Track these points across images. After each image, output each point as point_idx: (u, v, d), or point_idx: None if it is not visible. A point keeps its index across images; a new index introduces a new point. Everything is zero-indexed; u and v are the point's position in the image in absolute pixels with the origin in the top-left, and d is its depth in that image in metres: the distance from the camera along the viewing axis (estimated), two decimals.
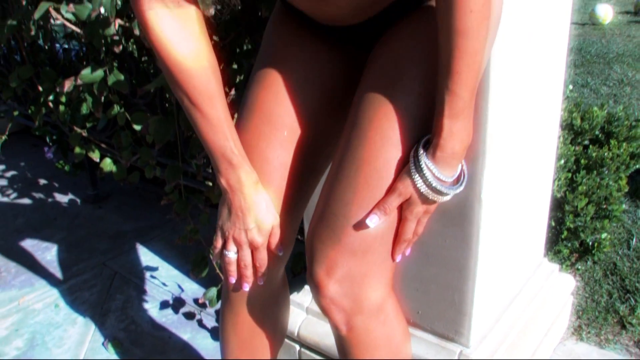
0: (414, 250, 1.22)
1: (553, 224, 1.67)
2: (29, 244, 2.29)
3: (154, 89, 1.61)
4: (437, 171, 0.79)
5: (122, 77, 1.58)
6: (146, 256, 2.16)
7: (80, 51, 2.47)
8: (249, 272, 0.96)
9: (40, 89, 2.18)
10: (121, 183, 2.33)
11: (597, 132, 1.78)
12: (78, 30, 1.65)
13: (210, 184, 2.00)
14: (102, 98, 1.69)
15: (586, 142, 1.78)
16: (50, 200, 2.66)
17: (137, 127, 1.61)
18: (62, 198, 2.67)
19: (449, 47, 0.74)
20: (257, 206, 0.92)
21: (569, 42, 1.31)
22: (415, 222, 0.85)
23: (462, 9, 0.70)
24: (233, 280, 0.97)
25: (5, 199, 2.69)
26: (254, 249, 0.94)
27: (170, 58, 0.83)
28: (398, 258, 0.87)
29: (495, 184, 1.12)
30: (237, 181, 0.90)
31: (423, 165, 0.79)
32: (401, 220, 0.85)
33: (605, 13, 5.79)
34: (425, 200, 0.82)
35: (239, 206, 0.91)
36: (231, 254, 0.95)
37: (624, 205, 1.88)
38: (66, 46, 2.49)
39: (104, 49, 1.65)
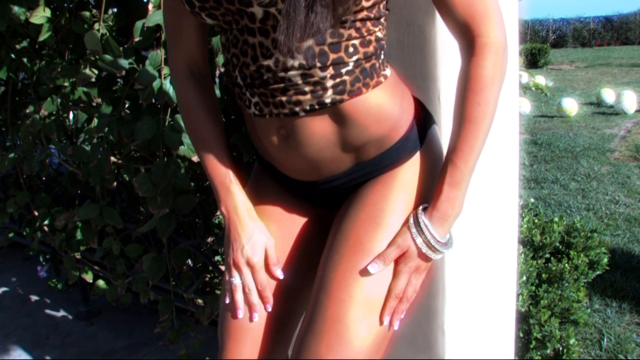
0: None
1: (521, 334, 1.78)
2: None
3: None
4: (431, 228, 0.94)
5: (116, 214, 1.71)
6: None
7: (74, 177, 2.62)
8: (254, 298, 1.04)
9: (36, 213, 2.31)
10: (113, 303, 2.42)
11: (557, 244, 1.93)
12: (76, 171, 1.79)
13: (200, 301, 2.10)
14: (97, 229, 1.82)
15: (547, 256, 1.91)
16: (42, 317, 2.72)
17: (132, 256, 1.73)
18: (54, 314, 2.74)
19: (457, 130, 0.92)
20: (250, 227, 1.04)
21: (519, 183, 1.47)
22: (407, 277, 0.95)
23: (472, 102, 0.90)
24: (241, 314, 1.04)
25: None
26: (252, 269, 1.04)
27: (190, 114, 1.06)
28: (386, 320, 0.95)
29: (457, 314, 1.24)
30: (233, 206, 1.04)
31: (421, 222, 0.94)
32: (394, 274, 0.95)
33: (571, 106, 6.14)
34: (420, 254, 0.94)
35: (235, 227, 1.04)
36: (235, 280, 1.04)
37: (589, 310, 2.00)
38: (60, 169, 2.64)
39: (99, 186, 1.79)
